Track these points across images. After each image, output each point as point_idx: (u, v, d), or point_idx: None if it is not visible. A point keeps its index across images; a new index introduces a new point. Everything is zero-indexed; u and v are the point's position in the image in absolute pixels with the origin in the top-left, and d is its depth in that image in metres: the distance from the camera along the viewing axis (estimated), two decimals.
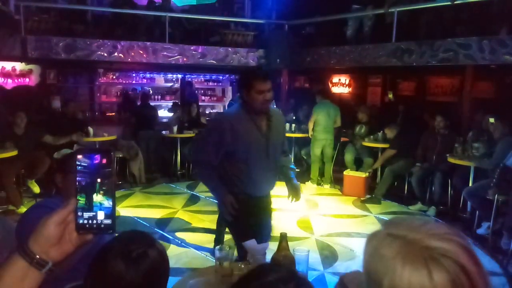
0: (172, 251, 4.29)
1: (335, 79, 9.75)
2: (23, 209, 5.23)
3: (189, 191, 6.58)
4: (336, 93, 9.47)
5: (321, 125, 6.73)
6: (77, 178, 0.81)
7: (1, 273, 0.78)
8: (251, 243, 1.73)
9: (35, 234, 0.79)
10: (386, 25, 6.97)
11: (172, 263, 4.28)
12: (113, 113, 9.14)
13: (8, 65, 7.75)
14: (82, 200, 0.81)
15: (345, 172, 6.62)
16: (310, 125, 6.85)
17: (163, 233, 4.77)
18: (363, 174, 6.43)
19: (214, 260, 1.83)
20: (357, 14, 7.38)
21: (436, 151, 5.72)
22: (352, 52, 7.19)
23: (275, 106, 8.67)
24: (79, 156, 0.81)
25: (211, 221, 5.24)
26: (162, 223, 5.14)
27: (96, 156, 0.82)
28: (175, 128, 7.14)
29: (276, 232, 4.95)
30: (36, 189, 5.73)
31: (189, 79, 10.20)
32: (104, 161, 0.82)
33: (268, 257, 1.74)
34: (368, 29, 7.28)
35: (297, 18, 8.17)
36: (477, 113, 6.16)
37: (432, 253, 0.67)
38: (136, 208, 5.67)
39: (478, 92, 6.62)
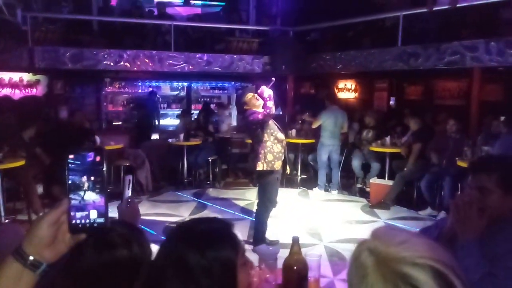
0: None
1: (341, 84, 9.72)
2: None
3: (196, 199, 6.55)
4: (342, 98, 9.43)
5: (328, 131, 6.69)
6: (70, 177, 0.80)
7: None
8: (262, 248, 1.69)
9: (28, 235, 0.78)
10: (388, 29, 6.95)
11: None
12: (120, 122, 9.18)
13: (15, 76, 7.82)
14: (75, 199, 0.80)
15: (371, 180, 6.37)
16: (314, 125, 6.82)
17: None
18: (390, 182, 6.16)
19: None
20: (361, 19, 7.37)
21: (447, 155, 5.64)
22: (358, 57, 7.16)
23: (280, 112, 8.65)
24: (71, 156, 0.80)
25: None
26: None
27: (89, 154, 0.81)
28: (181, 136, 7.13)
29: (286, 237, 4.88)
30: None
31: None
32: (98, 158, 0.81)
33: (280, 262, 1.69)
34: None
35: (301, 24, 8.17)
36: (485, 116, 6.09)
37: (403, 280, 0.65)
38: (143, 217, 5.63)
39: (486, 94, 6.54)
